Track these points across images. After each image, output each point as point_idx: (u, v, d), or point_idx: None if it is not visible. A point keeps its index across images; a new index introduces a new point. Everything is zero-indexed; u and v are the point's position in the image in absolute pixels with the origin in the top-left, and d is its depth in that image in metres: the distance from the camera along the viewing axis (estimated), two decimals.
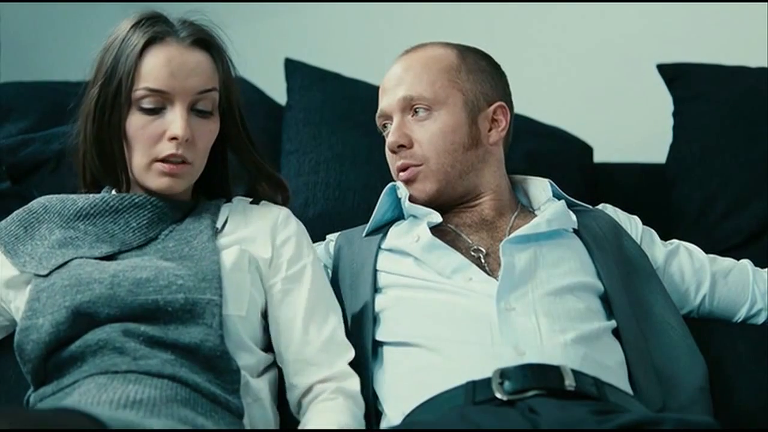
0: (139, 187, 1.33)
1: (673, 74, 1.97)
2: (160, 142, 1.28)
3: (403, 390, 1.25)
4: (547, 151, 1.93)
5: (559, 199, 1.48)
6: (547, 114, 2.05)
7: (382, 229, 1.47)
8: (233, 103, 1.36)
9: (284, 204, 1.43)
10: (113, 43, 1.31)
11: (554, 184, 1.50)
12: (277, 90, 2.04)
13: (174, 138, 1.27)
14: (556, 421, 1.06)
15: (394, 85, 1.48)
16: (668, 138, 1.94)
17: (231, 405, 1.16)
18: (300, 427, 1.21)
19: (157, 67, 1.28)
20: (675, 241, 1.53)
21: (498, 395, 1.14)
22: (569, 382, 1.15)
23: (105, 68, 1.30)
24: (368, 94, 1.73)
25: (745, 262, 1.51)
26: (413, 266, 1.36)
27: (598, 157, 2.07)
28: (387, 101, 1.49)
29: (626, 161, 2.09)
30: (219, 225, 1.33)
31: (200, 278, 1.20)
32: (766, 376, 1.37)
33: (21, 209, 1.34)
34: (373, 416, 1.27)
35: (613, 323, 1.30)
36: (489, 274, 1.33)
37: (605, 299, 1.34)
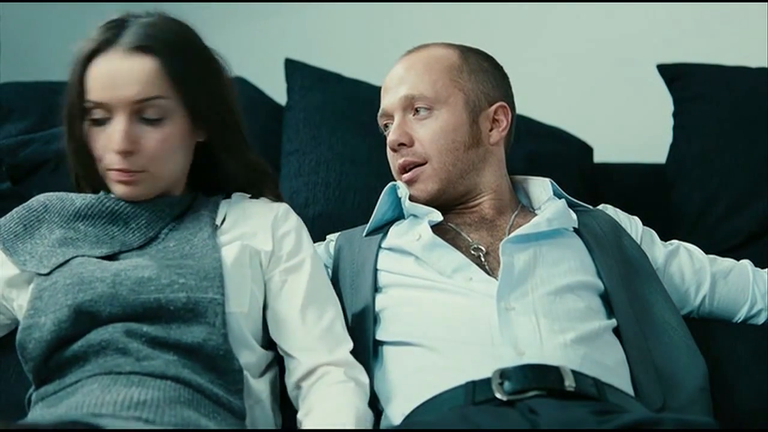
0: None
1: (673, 74, 1.97)
2: (108, 153, 1.27)
3: (403, 390, 1.25)
4: (547, 152, 1.93)
5: (560, 199, 1.49)
6: (547, 114, 2.05)
7: (383, 228, 1.47)
8: (206, 103, 1.30)
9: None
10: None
11: (555, 183, 1.50)
12: (277, 90, 2.04)
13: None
14: (556, 422, 1.06)
15: (396, 84, 1.49)
16: (668, 138, 1.94)
17: (233, 406, 1.16)
18: (305, 410, 1.19)
19: (94, 79, 1.26)
20: (675, 241, 1.53)
21: (498, 395, 1.14)
22: (569, 383, 1.15)
23: (69, 78, 1.29)
24: (368, 94, 1.73)
25: (745, 263, 1.51)
26: (414, 266, 1.36)
27: (598, 158, 2.07)
28: (389, 100, 1.49)
29: (626, 161, 2.09)
30: (218, 221, 1.33)
31: (202, 277, 1.20)
32: (766, 376, 1.37)
33: (20, 206, 1.34)
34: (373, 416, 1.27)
35: (613, 322, 1.30)
36: (489, 274, 1.33)
37: (605, 298, 1.34)
